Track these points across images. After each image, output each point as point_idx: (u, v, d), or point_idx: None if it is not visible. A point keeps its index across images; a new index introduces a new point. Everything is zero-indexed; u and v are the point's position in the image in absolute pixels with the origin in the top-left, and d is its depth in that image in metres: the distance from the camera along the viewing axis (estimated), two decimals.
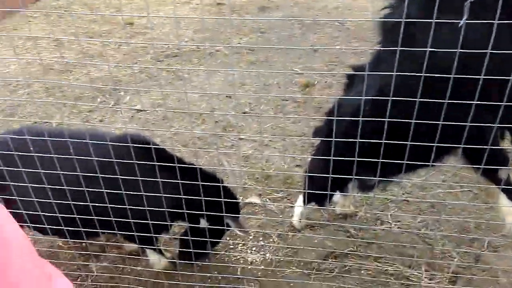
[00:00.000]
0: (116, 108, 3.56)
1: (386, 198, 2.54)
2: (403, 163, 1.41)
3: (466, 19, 1.23)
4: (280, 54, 4.38)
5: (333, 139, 1.51)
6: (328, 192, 1.78)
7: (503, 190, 1.79)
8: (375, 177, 1.54)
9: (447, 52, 1.18)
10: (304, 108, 3.42)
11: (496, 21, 1.07)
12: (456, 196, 2.54)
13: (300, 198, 2.33)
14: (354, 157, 1.44)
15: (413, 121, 1.30)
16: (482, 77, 1.17)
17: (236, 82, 3.82)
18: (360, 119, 1.39)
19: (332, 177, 1.55)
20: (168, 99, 3.70)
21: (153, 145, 1.80)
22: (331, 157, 1.49)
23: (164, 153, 1.92)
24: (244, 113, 3.42)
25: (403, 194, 2.58)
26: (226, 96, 3.67)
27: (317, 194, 2.00)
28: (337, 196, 2.35)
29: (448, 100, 1.24)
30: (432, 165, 1.75)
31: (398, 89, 1.34)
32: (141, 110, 3.56)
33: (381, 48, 1.68)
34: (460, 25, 1.23)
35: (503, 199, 1.80)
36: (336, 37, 4.76)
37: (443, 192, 2.57)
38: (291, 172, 2.77)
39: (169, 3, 5.97)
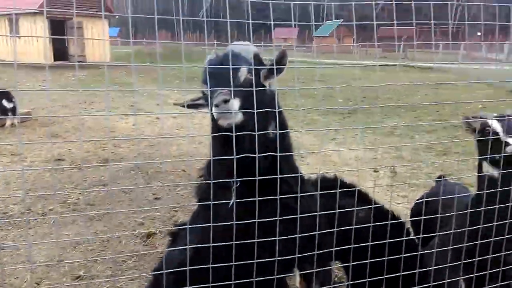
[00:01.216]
0: None
1: None
2: None
3: None
4: (122, 206, 4.32)
5: None
6: None
7: None
8: None
9: None
10: (146, 261, 3.30)
11: None
12: None
13: None
14: None
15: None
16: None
17: (70, 243, 3.53)
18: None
19: None
20: None
21: None
22: None
23: None
24: (77, 277, 3.09)
25: None
26: (58, 261, 3.31)
27: None
28: None
29: None
30: None
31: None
32: None
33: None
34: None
35: None
36: (178, 183, 5.00)
37: None
38: None
39: None
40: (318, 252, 1.60)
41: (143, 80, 15.80)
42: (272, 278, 1.50)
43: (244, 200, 1.47)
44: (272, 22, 1.54)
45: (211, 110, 1.45)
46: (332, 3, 24.74)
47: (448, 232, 1.99)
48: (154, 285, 1.95)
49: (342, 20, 38.78)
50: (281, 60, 1.59)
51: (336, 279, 3.27)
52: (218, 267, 1.45)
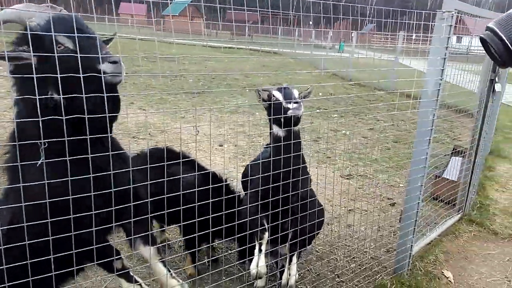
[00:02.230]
0: None
1: None
2: None
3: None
4: None
5: None
6: None
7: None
8: None
9: None
10: None
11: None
12: None
13: None
14: None
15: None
16: None
17: None
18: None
19: None
20: None
21: None
22: None
23: None
24: None
25: None
26: None
27: None
28: None
29: None
30: None
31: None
32: None
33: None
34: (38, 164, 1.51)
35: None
36: None
37: None
38: None
39: None
40: (133, 204, 1.73)
41: None
42: (97, 239, 1.59)
43: (53, 160, 1.48)
44: None
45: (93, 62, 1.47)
46: None
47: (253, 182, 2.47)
48: None
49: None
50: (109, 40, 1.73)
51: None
52: (35, 235, 1.48)
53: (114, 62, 1.50)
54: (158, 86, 11.21)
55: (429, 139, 3.11)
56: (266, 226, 2.42)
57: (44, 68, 1.47)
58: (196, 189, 2.14)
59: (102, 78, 1.47)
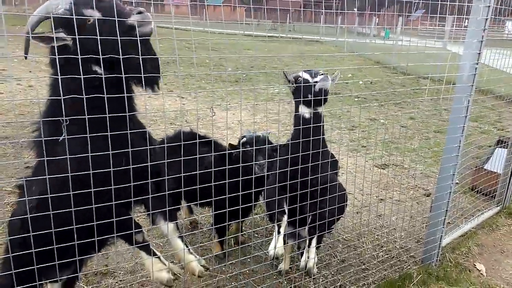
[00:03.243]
0: None
1: None
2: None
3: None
4: None
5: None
6: None
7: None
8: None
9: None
10: None
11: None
12: None
13: None
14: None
15: None
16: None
17: None
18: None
19: None
20: None
21: None
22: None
23: None
24: None
25: None
26: None
27: None
28: None
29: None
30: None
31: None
32: None
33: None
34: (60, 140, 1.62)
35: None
36: None
37: None
38: None
39: None
40: (155, 181, 1.83)
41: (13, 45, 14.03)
42: (118, 215, 1.70)
43: (76, 136, 1.59)
44: None
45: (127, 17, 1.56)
46: None
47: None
48: (8, 233, 2.00)
49: None
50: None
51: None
52: (63, 208, 1.59)
53: (140, 13, 1.56)
54: (197, 75, 11.43)
55: (463, 126, 2.98)
56: (286, 208, 2.45)
57: (81, 47, 1.59)
58: (213, 169, 2.21)
59: (137, 30, 1.55)
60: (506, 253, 3.51)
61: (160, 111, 6.17)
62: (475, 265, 3.27)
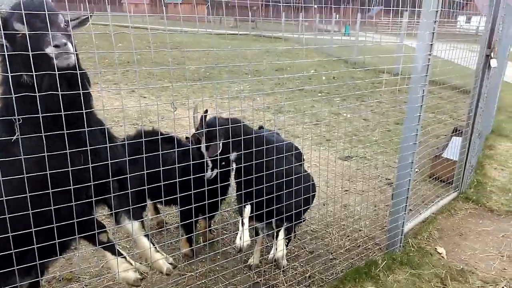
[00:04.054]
0: None
1: None
2: None
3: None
4: None
5: None
6: None
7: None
8: None
9: None
10: None
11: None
12: None
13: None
14: None
15: None
16: None
17: None
18: None
19: None
20: None
21: None
22: None
23: None
24: None
25: None
26: None
27: None
28: None
29: None
30: None
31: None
32: None
33: None
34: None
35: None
36: None
37: None
38: None
39: None
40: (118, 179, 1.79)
41: None
42: (80, 215, 1.65)
43: (27, 136, 1.55)
44: None
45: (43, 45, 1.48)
46: None
47: None
48: None
49: None
50: (83, 21, 1.75)
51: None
52: (17, 208, 1.54)
53: (56, 46, 1.48)
54: (160, 73, 11.24)
55: (419, 115, 3.10)
56: (248, 202, 2.46)
57: (14, 51, 1.53)
58: (177, 165, 2.19)
59: (55, 62, 1.50)
60: (464, 236, 3.69)
61: (121, 112, 6.02)
62: (436, 248, 3.43)
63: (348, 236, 3.60)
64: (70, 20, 1.72)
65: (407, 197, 3.27)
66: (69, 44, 1.53)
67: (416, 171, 4.04)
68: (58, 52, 1.50)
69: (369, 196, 4.21)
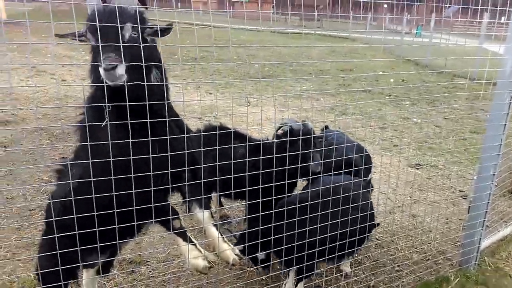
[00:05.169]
0: None
1: None
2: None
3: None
4: (26, 165, 4.19)
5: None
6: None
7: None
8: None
9: None
10: None
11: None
12: None
13: None
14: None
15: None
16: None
17: None
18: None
19: None
20: None
21: None
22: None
23: None
24: None
25: None
26: None
27: None
28: None
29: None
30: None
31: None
32: None
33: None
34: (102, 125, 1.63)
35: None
36: None
37: None
38: None
39: None
40: (191, 169, 1.82)
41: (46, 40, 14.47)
42: (156, 202, 1.71)
43: (118, 122, 1.61)
44: None
45: (98, 62, 1.50)
46: None
47: None
48: (46, 216, 2.03)
49: None
50: (166, 30, 1.71)
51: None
52: (101, 191, 1.61)
53: (105, 70, 1.48)
54: (225, 71, 11.47)
55: (505, 124, 2.84)
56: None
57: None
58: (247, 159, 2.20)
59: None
60: None
61: (188, 107, 6.22)
62: None
63: (415, 248, 3.40)
64: (147, 28, 1.68)
65: (485, 211, 3.02)
66: (119, 68, 1.51)
67: (495, 185, 3.72)
68: (105, 75, 1.51)
69: (440, 208, 3.94)
